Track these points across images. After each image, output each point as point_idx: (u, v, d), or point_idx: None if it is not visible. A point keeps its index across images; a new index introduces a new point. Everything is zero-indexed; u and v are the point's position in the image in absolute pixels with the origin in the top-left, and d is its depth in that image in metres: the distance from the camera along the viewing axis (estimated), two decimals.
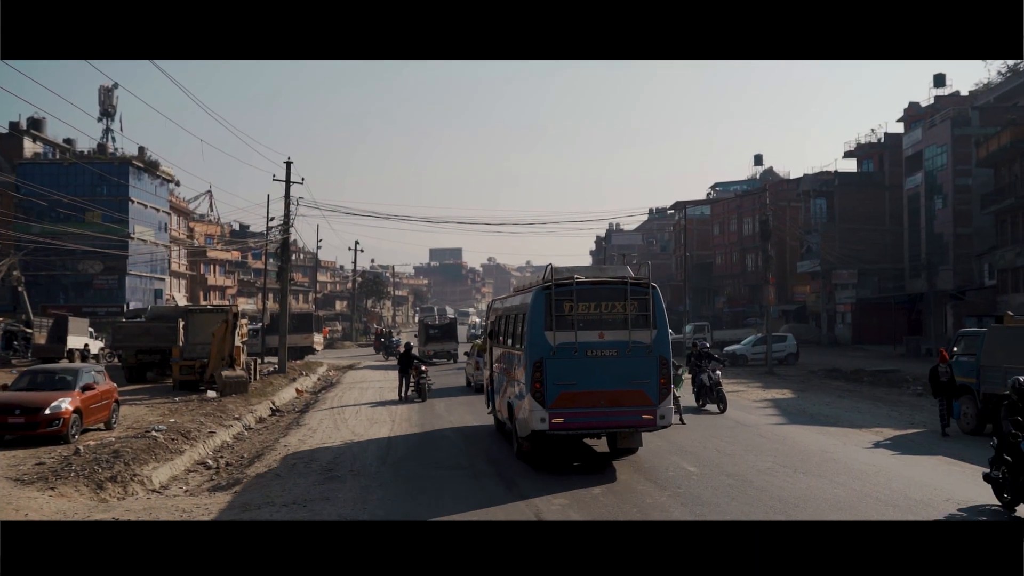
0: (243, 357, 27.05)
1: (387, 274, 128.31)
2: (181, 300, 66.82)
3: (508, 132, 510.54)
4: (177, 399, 23.93)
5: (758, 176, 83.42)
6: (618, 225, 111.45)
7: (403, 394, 24.87)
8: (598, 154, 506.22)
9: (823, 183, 57.44)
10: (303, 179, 33.24)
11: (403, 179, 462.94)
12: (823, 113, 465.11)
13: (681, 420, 17.14)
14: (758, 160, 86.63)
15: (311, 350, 45.34)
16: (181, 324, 28.35)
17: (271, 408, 24.44)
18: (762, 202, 33.64)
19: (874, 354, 43.73)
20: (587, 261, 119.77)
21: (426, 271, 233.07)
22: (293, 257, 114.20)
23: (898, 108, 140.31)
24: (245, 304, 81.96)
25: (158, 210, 64.58)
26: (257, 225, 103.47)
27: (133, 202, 59.49)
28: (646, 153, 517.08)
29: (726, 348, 39.09)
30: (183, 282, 74.24)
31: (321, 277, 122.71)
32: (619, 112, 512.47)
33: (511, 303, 15.97)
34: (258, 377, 30.08)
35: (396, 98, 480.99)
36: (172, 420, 18.93)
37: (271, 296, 53.23)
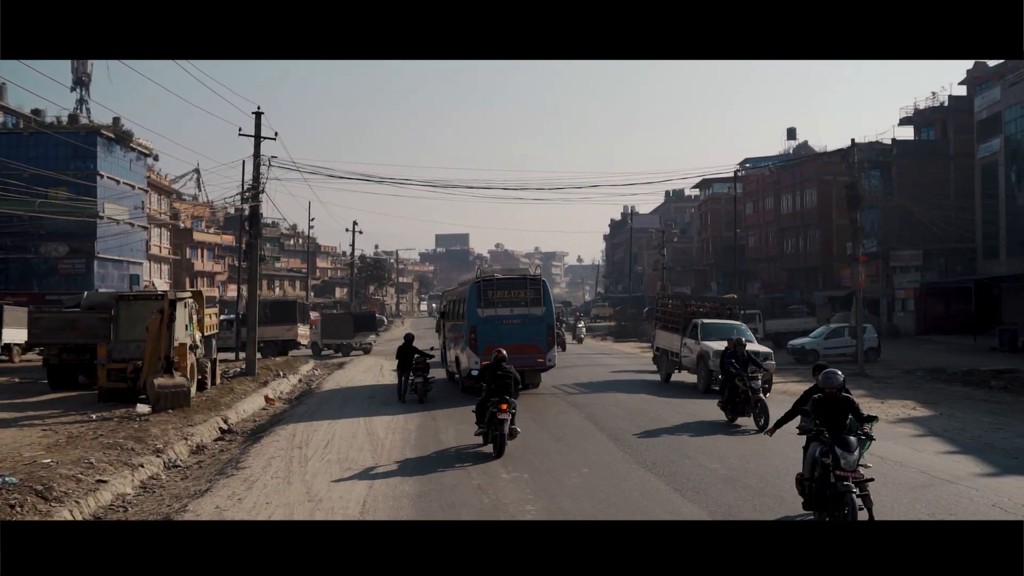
0: (191, 357, 20.73)
1: (391, 260, 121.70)
2: (162, 287, 60.59)
3: (514, 117, 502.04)
4: (95, 416, 17.74)
5: (791, 151, 76.94)
6: (634, 208, 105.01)
7: (404, 397, 20.51)
8: (608, 137, 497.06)
9: (879, 152, 50.67)
10: (276, 134, 26.64)
11: (407, 168, 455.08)
12: (854, 85, 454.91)
13: None
14: (791, 134, 79.90)
15: (295, 344, 38.67)
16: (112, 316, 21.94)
17: (221, 428, 18.18)
18: (849, 162, 27.24)
19: (952, 347, 37.20)
20: (600, 245, 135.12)
21: (432, 257, 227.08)
22: (290, 242, 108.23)
23: (943, 77, 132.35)
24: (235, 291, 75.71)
25: (133, 187, 57.91)
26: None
27: (102, 176, 52.82)
28: (655, 137, 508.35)
29: (791, 342, 32.63)
30: (165, 267, 67.94)
31: (321, 263, 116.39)
32: (629, 93, 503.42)
33: (456, 292, 23.69)
34: (217, 381, 23.81)
35: (399, 83, 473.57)
36: (49, 460, 12.62)
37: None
